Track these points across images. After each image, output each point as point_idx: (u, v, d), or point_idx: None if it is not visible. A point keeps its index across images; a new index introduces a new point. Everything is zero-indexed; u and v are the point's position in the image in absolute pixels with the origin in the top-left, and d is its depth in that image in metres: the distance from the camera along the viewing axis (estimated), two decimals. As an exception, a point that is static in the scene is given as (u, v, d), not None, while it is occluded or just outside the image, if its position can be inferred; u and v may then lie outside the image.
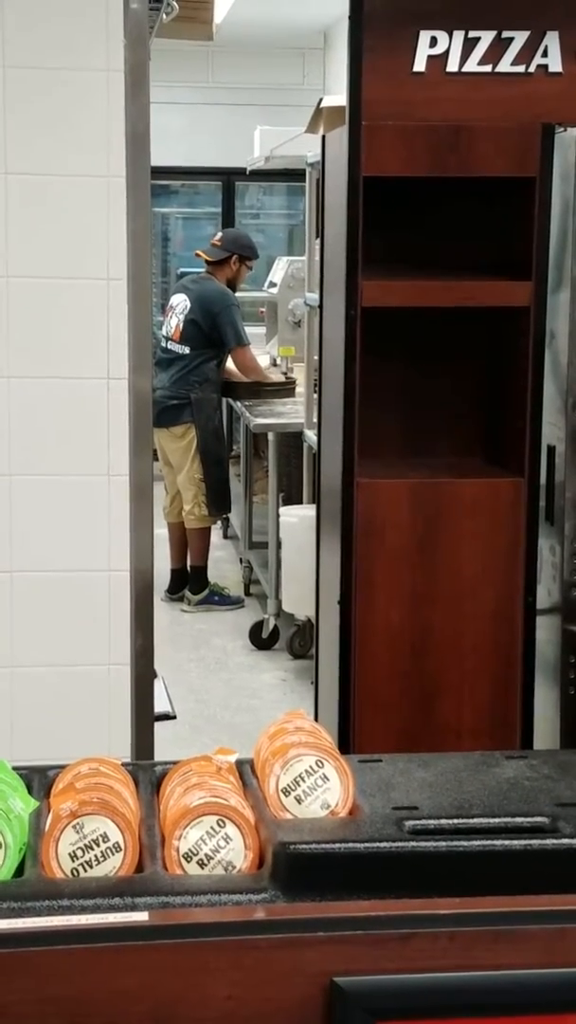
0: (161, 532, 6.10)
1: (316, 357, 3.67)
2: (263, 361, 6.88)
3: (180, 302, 6.22)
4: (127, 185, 2.63)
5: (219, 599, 6.24)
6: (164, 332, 6.26)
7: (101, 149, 2.62)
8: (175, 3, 3.76)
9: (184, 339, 6.13)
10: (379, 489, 3.03)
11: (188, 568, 6.25)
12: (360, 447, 3.02)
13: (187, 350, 6.11)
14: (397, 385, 3.29)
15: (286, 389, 6.56)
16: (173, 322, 6.19)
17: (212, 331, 6.10)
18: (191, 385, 6.05)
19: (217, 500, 6.15)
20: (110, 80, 2.61)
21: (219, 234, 6.72)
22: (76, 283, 2.64)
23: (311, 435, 5.05)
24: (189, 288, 6.31)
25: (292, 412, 6.04)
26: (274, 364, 7.07)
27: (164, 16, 3.72)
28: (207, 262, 6.37)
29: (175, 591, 6.30)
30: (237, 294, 6.49)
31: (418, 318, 3.14)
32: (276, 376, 6.72)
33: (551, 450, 3.06)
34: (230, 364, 6.41)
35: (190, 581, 6.22)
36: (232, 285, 6.36)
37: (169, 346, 6.18)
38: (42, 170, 2.62)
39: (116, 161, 2.62)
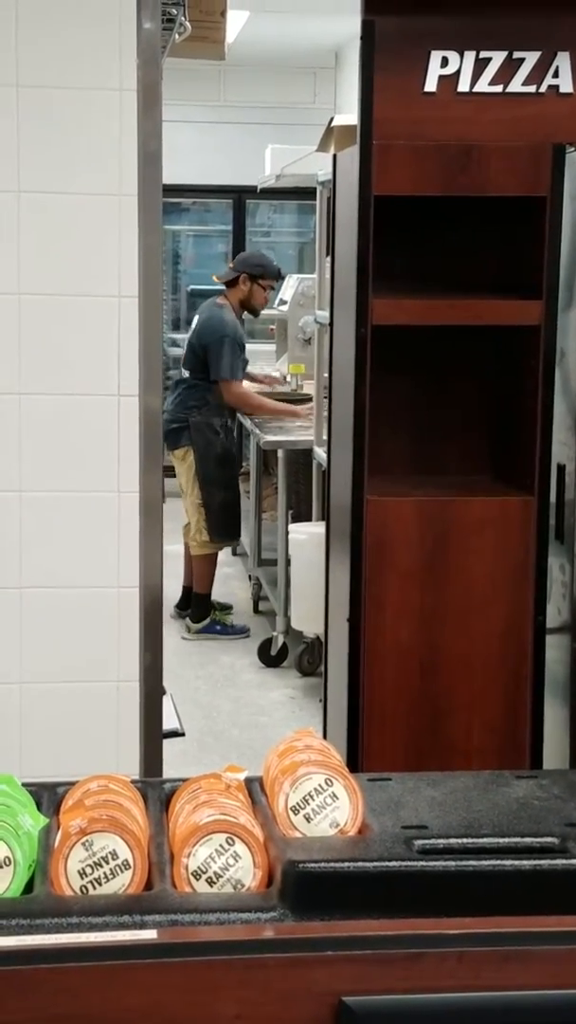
0: (176, 548, 6.09)
1: (326, 374, 3.68)
2: (272, 376, 6.91)
3: (194, 325, 6.27)
4: (139, 203, 2.64)
5: (221, 628, 6.08)
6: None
7: (113, 167, 2.63)
8: (187, 23, 3.78)
9: (185, 363, 6.19)
10: (388, 507, 3.04)
11: (191, 594, 6.15)
12: (370, 464, 3.02)
13: (187, 373, 6.15)
14: (407, 403, 3.29)
15: (298, 399, 6.56)
16: (185, 346, 6.27)
17: (206, 359, 6.08)
18: (189, 409, 6.05)
19: (218, 526, 6.00)
20: (123, 99, 2.63)
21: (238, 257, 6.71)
22: (87, 300, 2.65)
23: (320, 452, 5.05)
24: (201, 312, 6.32)
25: (302, 429, 6.05)
26: (284, 380, 7.09)
27: (176, 36, 3.74)
28: (225, 284, 6.35)
29: (184, 607, 6.29)
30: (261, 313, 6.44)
31: (428, 336, 3.15)
32: (279, 392, 6.71)
33: (561, 469, 3.06)
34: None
35: (192, 608, 6.10)
36: (250, 307, 6.30)
37: (179, 369, 6.25)
38: (55, 188, 2.63)
39: (128, 179, 2.64)
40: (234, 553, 7.54)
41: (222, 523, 6.02)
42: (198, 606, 6.08)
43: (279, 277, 6.51)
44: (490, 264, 3.23)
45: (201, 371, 6.08)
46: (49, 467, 2.67)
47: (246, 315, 6.45)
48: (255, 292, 6.23)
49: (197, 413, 6.04)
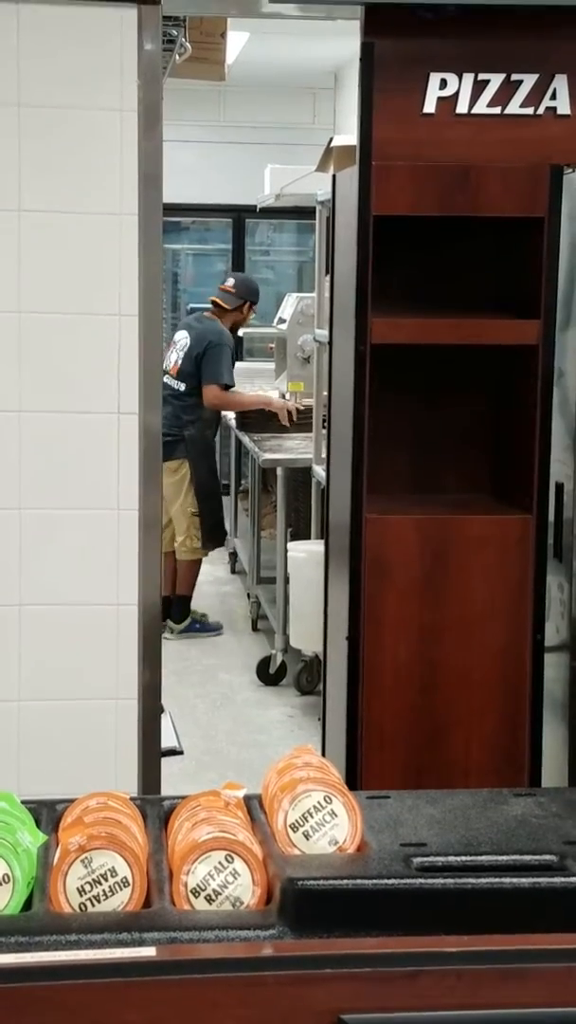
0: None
1: (325, 393, 3.69)
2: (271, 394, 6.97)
3: (182, 339, 6.35)
4: (139, 222, 2.66)
5: (200, 627, 6.35)
6: (164, 366, 6.30)
7: (114, 187, 2.65)
8: (188, 44, 3.80)
9: (181, 375, 6.25)
10: (387, 525, 3.04)
11: (173, 596, 6.28)
12: (369, 483, 3.03)
13: (183, 387, 6.23)
14: (406, 421, 3.30)
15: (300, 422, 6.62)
16: (173, 357, 6.29)
17: (198, 358, 6.21)
18: (184, 423, 6.15)
19: (211, 534, 6.26)
20: (123, 119, 2.65)
21: (230, 280, 6.79)
22: (88, 319, 2.67)
23: (320, 470, 5.06)
24: (192, 326, 6.44)
25: (301, 447, 6.07)
26: (282, 398, 7.11)
27: (177, 56, 3.76)
28: (221, 307, 6.48)
29: (163, 618, 6.28)
30: (241, 331, 6.73)
31: (427, 355, 3.16)
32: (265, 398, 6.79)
33: (559, 487, 3.06)
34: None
35: (174, 609, 6.25)
36: (235, 328, 6.56)
37: (167, 380, 6.23)
38: (56, 207, 2.65)
39: (129, 199, 2.65)
40: (233, 571, 7.54)
41: (213, 532, 6.29)
42: (180, 607, 6.27)
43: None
44: (488, 283, 3.24)
45: (197, 383, 6.19)
46: (49, 484, 2.67)
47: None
48: (246, 315, 6.58)
49: (192, 427, 6.18)
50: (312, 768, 1.54)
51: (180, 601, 6.28)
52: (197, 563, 6.33)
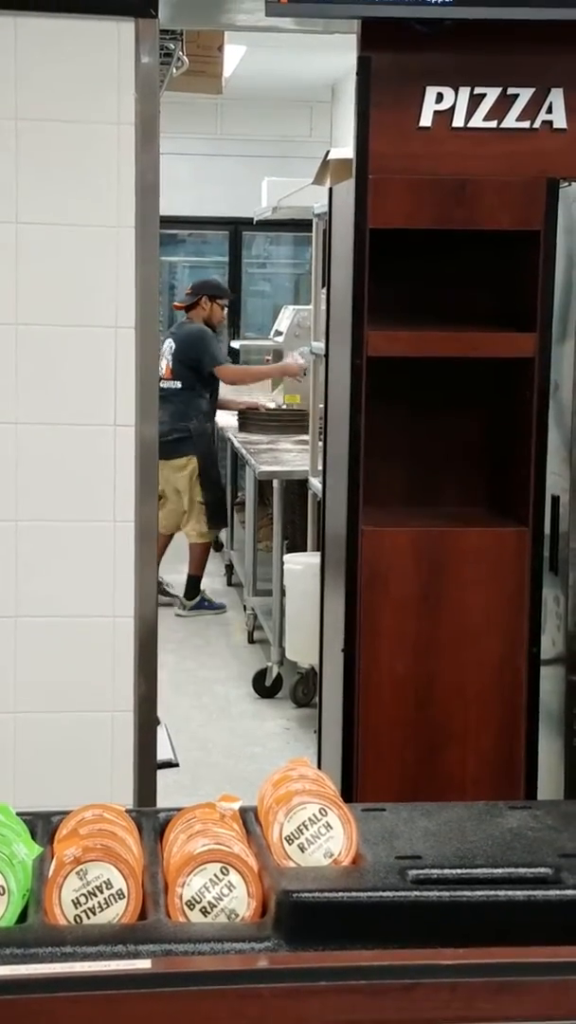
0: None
1: (321, 405, 3.69)
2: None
3: (168, 347, 6.86)
4: (136, 235, 2.66)
5: (208, 604, 6.96)
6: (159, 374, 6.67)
7: (111, 199, 2.65)
8: (185, 57, 3.82)
9: (174, 376, 6.79)
10: (384, 537, 3.04)
11: (187, 576, 6.91)
12: (365, 495, 3.03)
13: (179, 385, 6.76)
14: (402, 433, 3.30)
15: (293, 415, 6.94)
16: (163, 363, 6.75)
17: (195, 363, 6.77)
18: (189, 419, 6.73)
19: (216, 517, 6.92)
20: (121, 132, 2.65)
21: (189, 284, 7.45)
22: (85, 331, 2.67)
23: (316, 483, 5.07)
24: (175, 333, 7.04)
25: (297, 460, 6.08)
26: (277, 408, 7.19)
27: (174, 70, 3.78)
28: (184, 309, 7.06)
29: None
30: (236, 344, 7.34)
31: (423, 367, 3.16)
32: (270, 410, 7.19)
33: (555, 500, 3.07)
34: (224, 394, 7.08)
35: (186, 588, 6.89)
36: (210, 325, 7.02)
37: (163, 384, 6.67)
38: (53, 219, 2.65)
39: (126, 211, 2.66)
40: (229, 583, 7.55)
41: (218, 514, 6.96)
42: (192, 586, 6.93)
43: (231, 296, 7.48)
44: (485, 296, 3.25)
45: (195, 380, 6.77)
46: (45, 496, 2.67)
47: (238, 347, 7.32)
48: (214, 311, 6.99)
49: (196, 421, 6.76)
50: (308, 780, 1.54)
51: (192, 580, 6.91)
52: (207, 546, 6.96)
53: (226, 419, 7.36)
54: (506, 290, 3.20)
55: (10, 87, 2.62)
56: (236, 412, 7.26)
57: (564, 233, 3.00)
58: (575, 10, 2.84)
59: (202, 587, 6.96)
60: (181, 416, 6.69)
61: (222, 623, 6.63)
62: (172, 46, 3.48)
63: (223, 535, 7.74)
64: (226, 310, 7.31)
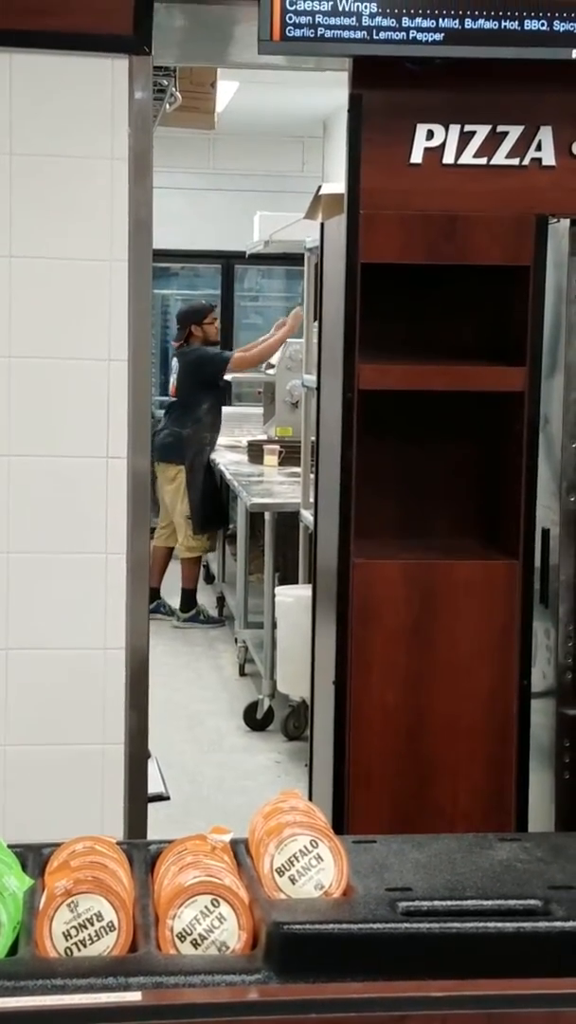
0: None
1: (313, 438, 3.71)
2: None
3: (176, 368, 7.39)
4: (129, 268, 2.68)
5: (203, 618, 7.21)
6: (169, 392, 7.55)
7: (104, 233, 2.68)
8: (178, 93, 3.86)
9: (178, 393, 7.26)
10: (375, 569, 3.05)
11: (180, 591, 7.13)
12: (356, 527, 3.04)
13: (181, 397, 7.23)
14: (393, 466, 3.32)
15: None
16: (172, 379, 7.37)
17: (201, 377, 7.11)
18: (184, 424, 7.08)
19: (203, 523, 7.08)
20: (114, 167, 2.68)
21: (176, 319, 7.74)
22: (77, 364, 2.69)
23: (307, 515, 5.07)
24: (179, 355, 7.43)
25: (289, 492, 6.08)
26: (270, 442, 7.18)
27: (167, 105, 3.82)
28: (182, 344, 7.37)
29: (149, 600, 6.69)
30: (228, 376, 7.46)
31: (414, 401, 3.18)
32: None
33: (545, 533, 3.08)
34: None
35: (181, 602, 7.15)
36: (210, 343, 7.36)
37: (171, 401, 7.38)
38: (46, 253, 2.67)
39: (119, 245, 2.68)
40: (221, 615, 7.54)
41: (205, 520, 7.09)
42: (186, 600, 7.18)
43: (212, 308, 7.63)
44: (475, 331, 3.27)
45: (196, 390, 7.11)
46: (37, 528, 2.68)
47: (231, 378, 7.67)
48: (206, 331, 7.31)
49: (191, 427, 7.07)
50: (299, 812, 1.54)
51: (186, 594, 7.19)
52: (197, 560, 7.23)
53: (221, 453, 7.39)
54: (496, 325, 3.22)
55: (5, 122, 2.64)
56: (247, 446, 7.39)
57: (553, 268, 3.03)
58: (562, 50, 2.88)
59: (200, 603, 7.22)
60: (179, 421, 7.09)
61: (213, 656, 6.62)
62: (165, 82, 3.52)
63: (214, 565, 7.77)
64: (217, 321, 7.57)
